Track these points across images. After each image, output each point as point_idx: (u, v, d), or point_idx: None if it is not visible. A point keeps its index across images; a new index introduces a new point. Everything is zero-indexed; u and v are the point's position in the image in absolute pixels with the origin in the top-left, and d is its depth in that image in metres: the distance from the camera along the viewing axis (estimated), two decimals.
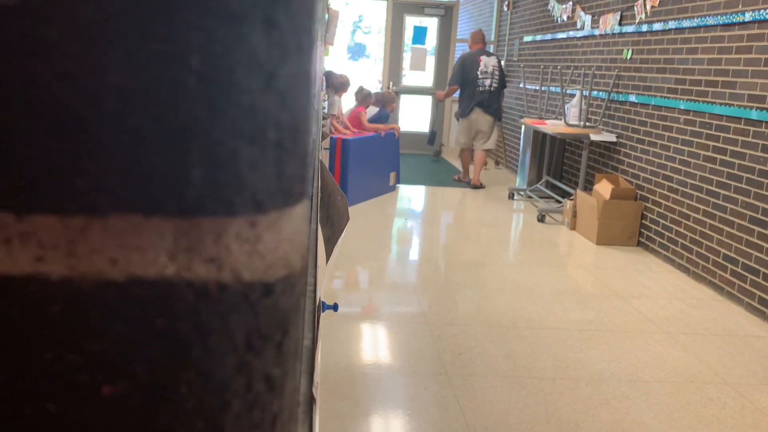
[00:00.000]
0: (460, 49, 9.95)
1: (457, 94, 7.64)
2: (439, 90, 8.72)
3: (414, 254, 4.81)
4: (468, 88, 7.13)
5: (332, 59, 8.10)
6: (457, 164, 8.87)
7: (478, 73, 7.07)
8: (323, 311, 0.62)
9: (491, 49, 9.69)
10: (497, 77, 7.14)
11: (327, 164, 5.91)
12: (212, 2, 0.17)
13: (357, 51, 14.46)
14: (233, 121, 0.18)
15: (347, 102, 7.07)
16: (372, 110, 7.28)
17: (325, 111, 6.16)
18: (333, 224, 1.06)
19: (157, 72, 0.17)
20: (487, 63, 7.13)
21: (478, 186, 7.18)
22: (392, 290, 3.92)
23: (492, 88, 7.11)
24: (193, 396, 0.18)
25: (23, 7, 0.15)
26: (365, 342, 3.26)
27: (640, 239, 5.08)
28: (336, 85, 6.31)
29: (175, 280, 0.18)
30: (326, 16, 5.16)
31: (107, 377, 0.17)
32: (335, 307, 0.84)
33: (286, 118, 0.19)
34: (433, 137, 8.57)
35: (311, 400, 0.40)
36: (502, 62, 8.96)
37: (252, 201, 0.18)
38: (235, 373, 0.18)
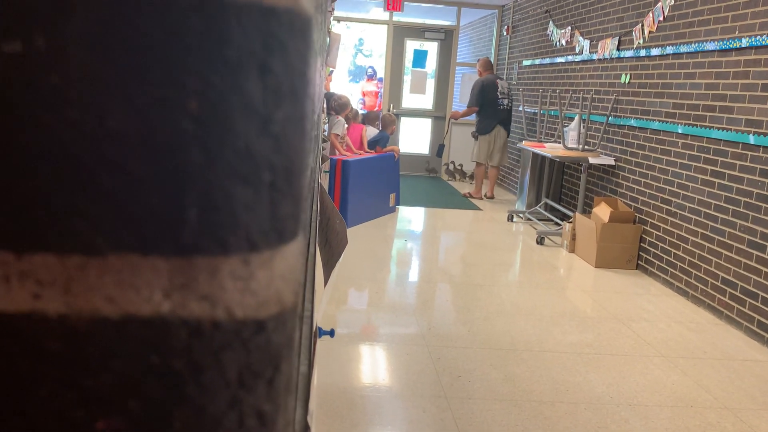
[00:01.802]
0: (460, 73, 10.02)
1: (471, 117, 8.24)
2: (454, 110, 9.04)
3: (413, 276, 4.80)
4: (489, 108, 7.74)
5: (334, 81, 8.17)
6: (455, 184, 8.88)
7: (498, 94, 7.70)
8: (320, 337, 0.62)
9: None
10: (511, 98, 7.85)
11: (327, 186, 5.92)
12: (209, 51, 0.17)
13: (358, 73, 14.55)
14: (228, 163, 0.18)
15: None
16: (372, 132, 7.31)
17: (326, 133, 6.18)
18: (331, 247, 1.07)
19: (155, 117, 0.17)
20: (503, 85, 7.81)
21: (493, 198, 7.97)
22: (391, 312, 3.91)
23: (509, 107, 7.83)
24: (187, 431, 0.18)
25: (25, 54, 0.15)
26: (364, 364, 3.25)
27: (639, 262, 5.08)
28: (335, 106, 6.34)
29: (170, 318, 0.18)
30: (327, 39, 5.20)
31: (102, 413, 0.18)
32: (332, 333, 0.84)
33: (281, 160, 0.20)
34: (441, 150, 8.67)
35: (306, 428, 0.40)
36: None
37: (246, 240, 0.18)
38: (227, 408, 0.19)
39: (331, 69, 7.35)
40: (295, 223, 0.20)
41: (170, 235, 0.17)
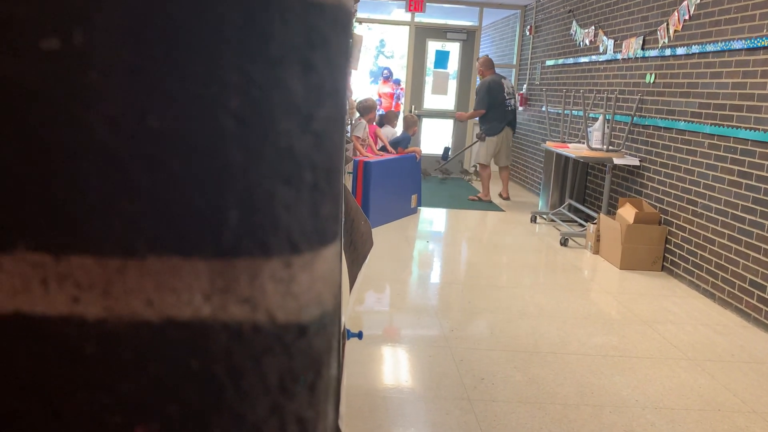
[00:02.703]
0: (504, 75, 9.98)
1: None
2: (460, 112, 8.98)
3: (436, 277, 4.78)
4: (497, 110, 7.56)
5: (356, 83, 8.19)
6: (477, 185, 8.84)
7: (505, 95, 7.54)
8: (348, 339, 0.62)
9: (513, 73, 9.76)
10: (515, 96, 7.76)
11: (350, 188, 5.93)
12: (251, 46, 0.17)
13: (379, 75, 14.57)
14: (270, 163, 0.18)
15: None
16: (391, 132, 7.31)
17: (348, 135, 6.19)
18: (357, 249, 1.06)
19: (195, 115, 0.17)
20: (508, 85, 7.64)
21: (508, 198, 7.84)
22: (414, 313, 3.90)
23: (515, 107, 7.71)
24: None
25: (63, 51, 0.15)
26: (386, 365, 3.24)
27: (665, 264, 5.02)
28: (360, 108, 6.35)
29: (210, 322, 0.17)
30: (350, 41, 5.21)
31: (140, 418, 0.17)
32: (360, 335, 0.83)
33: (322, 159, 0.19)
34: (446, 153, 8.62)
35: None
36: (524, 86, 9.10)
37: (287, 242, 0.18)
38: (268, 415, 0.18)
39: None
40: (336, 224, 0.20)
41: (211, 237, 0.17)
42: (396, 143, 7.02)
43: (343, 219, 1.08)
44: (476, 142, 8.93)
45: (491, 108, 7.55)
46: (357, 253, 1.01)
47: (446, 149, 8.51)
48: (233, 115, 0.17)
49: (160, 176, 0.17)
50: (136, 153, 0.16)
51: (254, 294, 0.17)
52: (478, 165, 7.99)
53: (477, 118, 7.94)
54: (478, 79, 8.18)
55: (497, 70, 7.99)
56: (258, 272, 0.18)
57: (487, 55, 8.09)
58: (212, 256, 0.17)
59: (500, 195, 7.92)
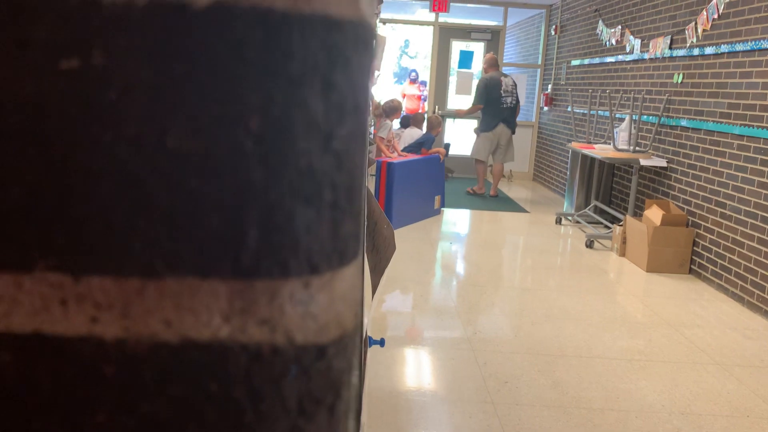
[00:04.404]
0: (506, 73, 9.94)
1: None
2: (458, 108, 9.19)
3: (459, 278, 4.77)
4: (492, 106, 7.75)
5: (380, 84, 8.23)
6: (503, 186, 8.80)
7: (501, 92, 7.72)
8: (370, 346, 0.61)
9: (538, 73, 9.72)
10: (515, 95, 7.83)
11: (373, 189, 5.93)
12: (272, 65, 0.17)
13: (402, 75, 14.56)
14: (290, 182, 0.17)
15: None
16: (417, 133, 7.30)
17: (371, 136, 6.19)
18: (379, 252, 1.06)
19: (215, 134, 0.17)
20: (507, 83, 7.79)
21: (496, 196, 8.00)
22: (437, 315, 3.89)
23: (512, 105, 7.80)
24: None
25: (83, 71, 0.15)
26: (409, 367, 3.24)
27: (692, 267, 4.95)
28: (386, 109, 6.35)
29: (229, 343, 0.17)
30: (374, 42, 5.21)
31: None
32: (382, 343, 0.82)
33: (343, 178, 0.19)
34: (447, 149, 8.61)
35: None
36: (549, 86, 9.05)
37: (307, 262, 0.18)
38: None
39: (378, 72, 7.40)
40: (356, 243, 0.19)
41: (230, 258, 0.17)
42: (420, 144, 7.01)
43: (366, 222, 1.08)
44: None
45: (487, 104, 7.75)
46: (380, 256, 1.00)
47: (447, 146, 8.53)
48: (253, 135, 0.17)
49: (179, 196, 0.16)
50: (155, 172, 0.16)
51: (273, 315, 0.17)
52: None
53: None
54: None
55: (518, 70, 8.05)
56: (277, 293, 0.17)
57: (492, 53, 8.36)
58: (231, 276, 0.17)
59: (488, 194, 8.07)
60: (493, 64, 7.99)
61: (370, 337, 0.62)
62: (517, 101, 7.90)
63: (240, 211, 0.17)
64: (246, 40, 0.16)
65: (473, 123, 10.01)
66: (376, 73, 7.11)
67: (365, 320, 0.63)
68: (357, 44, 0.18)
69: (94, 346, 0.16)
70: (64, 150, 0.15)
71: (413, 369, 3.23)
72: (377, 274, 1.02)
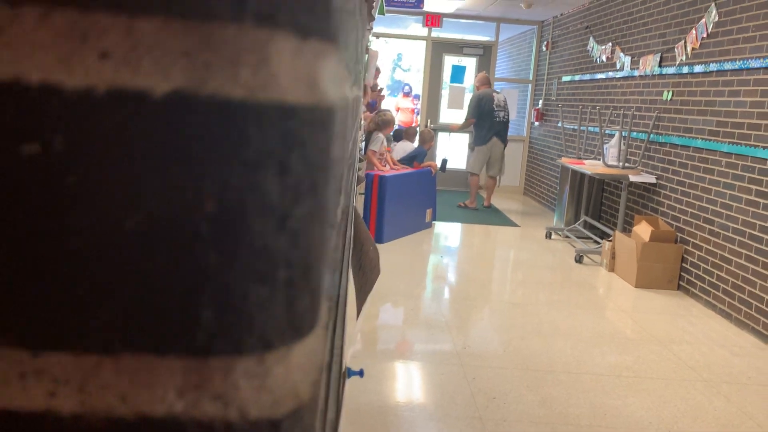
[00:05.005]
0: (498, 88, 10.00)
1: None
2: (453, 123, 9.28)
3: (449, 292, 4.77)
4: (486, 121, 7.93)
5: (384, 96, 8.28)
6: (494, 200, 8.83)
7: (494, 106, 7.89)
8: (348, 377, 0.62)
9: (529, 88, 9.78)
10: (507, 110, 8.04)
11: (362, 206, 5.94)
12: (227, 152, 0.17)
13: (396, 88, 14.61)
14: (244, 263, 0.18)
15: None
16: (409, 147, 7.32)
17: (362, 152, 6.20)
18: (365, 274, 1.06)
19: (172, 218, 0.17)
20: (499, 98, 7.98)
21: (490, 207, 8.18)
22: (427, 329, 3.89)
23: (505, 119, 7.99)
24: None
25: (44, 156, 0.15)
26: (399, 382, 3.23)
27: (681, 283, 4.98)
28: (379, 122, 6.36)
29: (183, 419, 0.18)
30: (366, 56, 5.23)
31: None
32: (361, 374, 0.83)
33: (298, 255, 0.19)
34: (444, 165, 8.63)
35: None
36: (540, 101, 9.11)
37: (260, 339, 0.18)
38: None
39: (381, 87, 7.48)
40: (314, 316, 0.20)
41: (185, 336, 0.17)
42: (412, 158, 7.03)
43: (353, 244, 1.09)
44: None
45: (480, 119, 7.92)
46: (365, 278, 1.01)
47: (444, 161, 8.57)
48: (208, 219, 0.17)
49: (136, 278, 0.17)
50: (112, 255, 0.17)
51: (227, 391, 0.17)
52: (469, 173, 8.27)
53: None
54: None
55: (509, 85, 8.17)
56: (231, 369, 0.18)
57: (484, 72, 8.62)
58: (186, 354, 0.17)
59: (482, 205, 8.22)
60: (485, 82, 8.18)
61: (349, 369, 0.63)
62: (509, 116, 8.09)
63: (195, 291, 0.17)
64: (202, 128, 0.17)
65: (466, 138, 10.06)
66: (379, 86, 7.12)
67: (346, 349, 0.63)
68: (313, 127, 0.19)
69: (52, 421, 0.17)
70: (25, 234, 0.16)
71: (403, 384, 3.22)
72: (362, 295, 1.02)
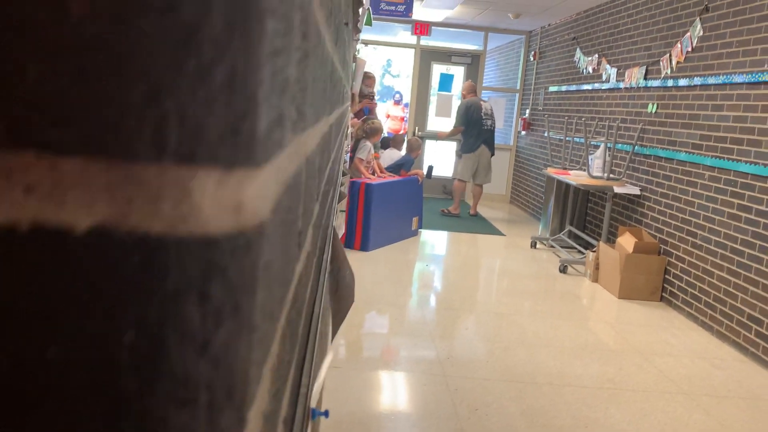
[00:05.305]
0: (485, 97, 10.05)
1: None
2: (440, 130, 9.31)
3: (434, 302, 4.78)
4: (474, 129, 8.02)
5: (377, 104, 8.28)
6: (480, 209, 8.85)
7: (482, 114, 7.99)
8: (313, 419, 0.62)
9: (517, 97, 9.83)
10: (494, 119, 8.15)
11: (352, 210, 5.94)
12: (147, 284, 0.18)
13: (385, 94, 14.62)
14: (164, 389, 0.19)
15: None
16: (397, 155, 7.33)
17: (345, 164, 6.19)
18: (340, 300, 1.07)
19: (91, 349, 0.18)
20: (486, 107, 8.08)
21: (476, 215, 8.24)
22: (411, 338, 3.90)
23: (492, 128, 8.11)
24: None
25: None
26: (381, 393, 3.23)
27: (664, 294, 5.01)
28: (368, 130, 6.38)
29: None
30: (353, 65, 5.24)
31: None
32: (326, 414, 0.83)
33: (220, 378, 0.20)
34: (430, 172, 8.66)
35: None
36: (527, 111, 9.16)
37: None
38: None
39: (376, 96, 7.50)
40: (239, 429, 0.21)
41: None
42: (399, 166, 7.04)
43: (329, 266, 1.09)
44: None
45: (468, 126, 8.00)
46: (340, 305, 1.01)
47: (430, 168, 8.59)
48: (128, 348, 0.18)
49: (57, 406, 0.17)
50: (37, 384, 0.17)
51: None
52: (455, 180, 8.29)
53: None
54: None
55: (497, 94, 8.25)
56: None
57: (471, 81, 8.69)
58: None
59: (469, 213, 8.30)
60: (471, 90, 8.26)
61: (314, 409, 0.63)
62: (495, 124, 8.20)
63: (115, 419, 0.18)
64: (123, 262, 0.17)
65: (453, 145, 10.09)
66: (375, 94, 7.10)
67: (311, 389, 0.64)
68: (234, 255, 0.20)
69: None
70: None
71: (386, 395, 3.23)
72: (337, 320, 1.03)
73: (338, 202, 1.98)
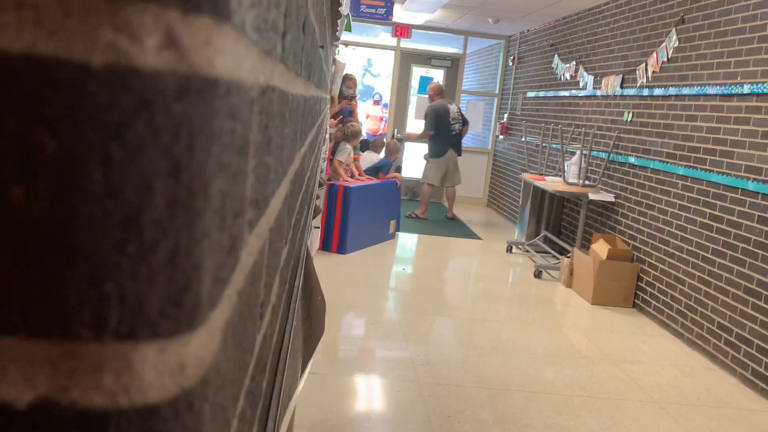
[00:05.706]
0: (465, 100, 10.08)
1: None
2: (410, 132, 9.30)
3: (410, 306, 4.79)
4: (442, 134, 7.98)
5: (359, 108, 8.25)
6: (456, 211, 8.88)
7: (450, 119, 7.96)
8: None
9: (495, 101, 9.86)
10: (461, 121, 8.07)
11: (329, 213, 5.93)
12: None
13: (366, 93, 14.62)
14: None
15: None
16: (376, 158, 7.34)
17: (322, 174, 6.18)
18: (312, 325, 1.07)
19: None
20: (453, 110, 8.03)
21: (453, 218, 8.30)
22: (385, 343, 3.91)
23: (459, 131, 8.08)
24: None
25: None
26: (355, 399, 3.24)
27: (636, 301, 5.08)
28: (348, 133, 6.38)
29: None
30: (333, 67, 5.23)
31: None
32: None
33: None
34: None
35: None
36: (505, 115, 9.19)
37: None
38: None
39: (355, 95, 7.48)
40: None
41: None
42: (377, 169, 7.05)
43: (302, 291, 1.10)
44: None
45: (437, 131, 7.96)
46: (311, 330, 1.02)
47: (398, 169, 8.62)
48: None
49: None
50: None
51: None
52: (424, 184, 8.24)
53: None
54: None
55: (476, 98, 8.23)
56: None
57: (438, 82, 8.67)
58: None
59: (446, 216, 8.38)
60: (438, 92, 8.19)
61: None
62: (464, 123, 8.12)
63: None
64: None
65: (421, 147, 10.13)
66: (356, 96, 7.09)
67: (283, 419, 0.65)
68: (177, 415, 0.20)
69: None
70: None
71: (359, 401, 3.23)
72: (309, 346, 1.03)
73: (313, 219, 1.98)
